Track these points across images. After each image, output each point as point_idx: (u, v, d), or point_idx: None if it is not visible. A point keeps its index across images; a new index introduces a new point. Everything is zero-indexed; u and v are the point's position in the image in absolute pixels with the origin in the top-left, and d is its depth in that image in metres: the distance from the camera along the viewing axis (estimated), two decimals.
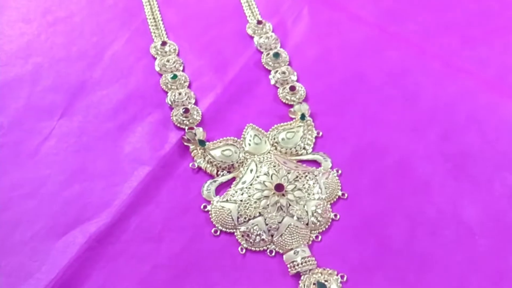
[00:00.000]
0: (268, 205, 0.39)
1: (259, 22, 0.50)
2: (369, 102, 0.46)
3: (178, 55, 0.48)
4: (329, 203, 0.41)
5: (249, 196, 0.39)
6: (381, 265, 0.38)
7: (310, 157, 0.43)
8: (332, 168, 0.42)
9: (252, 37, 0.50)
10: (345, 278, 0.37)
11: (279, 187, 0.39)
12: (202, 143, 0.42)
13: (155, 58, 0.48)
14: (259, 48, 0.49)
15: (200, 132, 0.43)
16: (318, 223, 0.39)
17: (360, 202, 0.41)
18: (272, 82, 0.47)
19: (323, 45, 0.50)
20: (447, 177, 0.42)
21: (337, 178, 0.42)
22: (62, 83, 0.46)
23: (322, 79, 0.48)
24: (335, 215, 0.40)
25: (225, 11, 0.52)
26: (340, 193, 0.41)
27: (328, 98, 0.47)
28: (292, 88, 0.46)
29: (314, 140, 0.44)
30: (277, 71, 0.47)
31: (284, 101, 0.46)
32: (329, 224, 0.40)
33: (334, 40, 0.50)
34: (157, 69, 0.47)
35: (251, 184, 0.40)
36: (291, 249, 0.38)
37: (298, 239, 0.38)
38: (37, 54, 0.48)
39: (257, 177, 0.40)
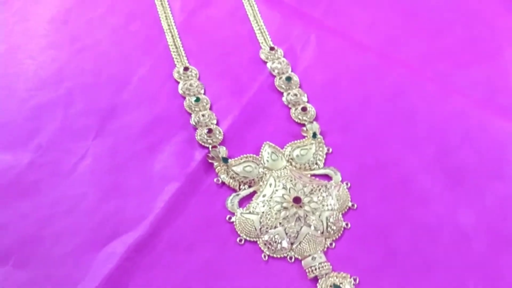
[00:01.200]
0: (287, 216, 0.43)
1: (271, 49, 0.54)
2: (372, 122, 0.51)
3: (199, 79, 0.53)
4: (340, 213, 0.45)
5: (270, 208, 0.43)
6: (388, 268, 0.42)
7: (322, 171, 0.47)
8: (342, 181, 0.47)
9: (265, 62, 0.54)
10: (357, 281, 0.41)
11: (296, 200, 0.44)
12: (225, 160, 0.46)
13: (178, 82, 0.52)
14: (272, 72, 0.53)
15: (223, 150, 0.47)
16: (332, 231, 0.43)
17: (368, 212, 0.45)
18: (285, 103, 0.51)
19: (330, 69, 0.54)
20: (445, 188, 0.46)
21: (347, 190, 0.46)
22: (93, 107, 0.50)
23: (330, 100, 0.52)
24: (347, 224, 0.44)
25: (239, 38, 0.56)
26: (350, 204, 0.45)
27: (336, 118, 0.51)
28: (304, 109, 0.50)
29: (325, 156, 0.48)
30: (289, 93, 0.52)
31: (296, 120, 0.50)
32: (341, 232, 0.44)
33: (340, 65, 0.54)
34: (181, 92, 0.51)
35: (271, 197, 0.44)
36: (309, 255, 0.42)
37: (314, 246, 0.42)
38: (68, 79, 0.52)
39: (276, 190, 0.44)
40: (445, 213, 0.45)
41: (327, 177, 0.47)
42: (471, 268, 0.42)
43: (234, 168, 0.46)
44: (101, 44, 0.54)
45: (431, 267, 0.42)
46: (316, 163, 0.48)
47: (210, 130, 0.48)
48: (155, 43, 0.55)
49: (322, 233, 0.43)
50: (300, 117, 0.50)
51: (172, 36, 0.55)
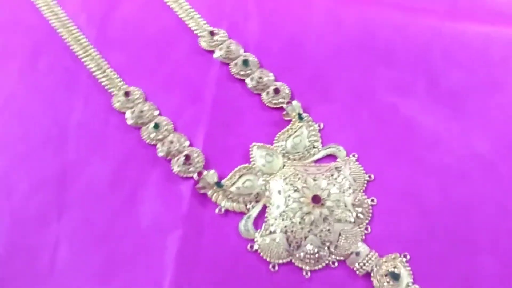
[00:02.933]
0: (313, 220, 0.37)
1: (211, 33, 0.46)
2: (351, 74, 0.45)
3: (146, 100, 0.44)
4: (361, 191, 0.40)
5: (291, 219, 0.38)
6: (430, 232, 0.38)
7: (323, 153, 0.42)
8: (348, 155, 0.41)
9: (210, 52, 0.46)
10: (408, 257, 0.37)
11: (316, 199, 0.38)
12: (219, 185, 0.39)
13: (123, 113, 0.43)
14: (224, 60, 0.45)
15: (212, 175, 0.40)
16: (362, 215, 0.39)
17: (387, 179, 0.41)
18: (253, 90, 0.44)
19: (283, 34, 0.47)
20: (449, 121, 0.43)
21: (357, 163, 0.41)
22: (40, 180, 0.40)
23: (298, 69, 0.45)
24: (372, 200, 0.40)
25: (171, 34, 0.47)
26: (366, 177, 0.41)
27: (312, 86, 0.45)
28: (276, 91, 0.43)
29: (319, 135, 0.42)
30: (252, 78, 0.44)
31: (272, 106, 0.44)
32: (370, 211, 0.39)
33: (291, 26, 0.47)
34: (132, 123, 0.42)
35: (286, 206, 0.38)
36: (351, 252, 0.37)
37: (352, 239, 0.38)
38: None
39: (289, 196, 0.39)
40: (459, 148, 0.41)
41: (332, 157, 0.42)
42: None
43: (232, 189, 0.39)
44: (15, 100, 0.44)
45: (470, 216, 0.39)
46: (314, 146, 0.42)
47: (187, 157, 0.40)
48: (75, 75, 0.45)
49: (354, 222, 0.38)
50: (274, 101, 0.43)
51: (92, 59, 0.45)
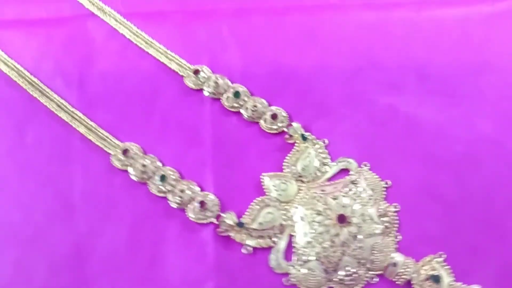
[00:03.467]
0: (343, 241, 0.37)
1: (195, 72, 0.45)
2: (339, 80, 0.44)
3: (145, 154, 0.42)
4: (382, 199, 0.39)
5: (321, 244, 0.37)
6: (460, 228, 0.38)
7: (335, 169, 0.41)
8: (359, 165, 0.41)
9: (199, 90, 0.45)
10: (444, 256, 0.37)
11: (341, 219, 0.37)
12: (240, 224, 0.38)
13: (126, 171, 0.42)
14: (214, 96, 0.44)
15: (230, 216, 0.38)
16: (389, 224, 0.38)
17: (403, 181, 0.40)
18: (249, 120, 0.43)
19: (264, 58, 0.46)
20: (442, 110, 0.42)
21: (371, 172, 0.40)
22: (57, 261, 0.39)
23: (286, 90, 0.45)
24: (395, 206, 0.39)
25: (154, 81, 0.46)
26: (383, 184, 0.40)
27: (305, 103, 0.44)
28: (274, 116, 0.43)
29: (327, 151, 0.42)
30: (247, 109, 0.43)
31: (272, 132, 0.43)
32: (396, 218, 0.39)
33: (269, 48, 0.46)
34: (138, 179, 0.41)
35: (313, 232, 0.37)
36: (388, 264, 0.37)
37: (386, 251, 0.37)
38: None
39: (313, 221, 0.38)
40: (465, 133, 0.42)
41: (343, 172, 0.41)
42: None
43: (254, 226, 0.38)
44: (9, 183, 0.42)
45: (493, 200, 0.39)
46: (324, 164, 0.41)
47: (202, 203, 0.39)
48: (66, 143, 0.43)
49: (383, 233, 0.38)
50: (274, 126, 0.43)
51: (81, 122, 0.43)
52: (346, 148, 0.42)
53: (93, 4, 0.48)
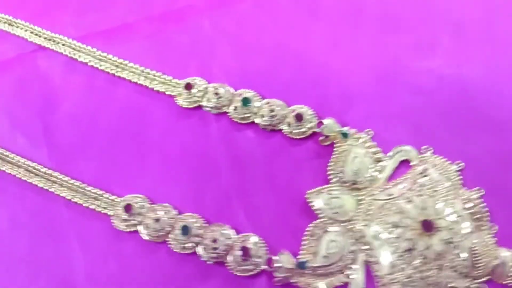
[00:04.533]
0: (438, 252, 0.28)
1: (187, 87, 0.35)
2: (361, 62, 0.36)
3: (152, 203, 0.33)
4: (460, 186, 0.31)
5: (410, 264, 0.28)
6: None
7: (393, 164, 0.32)
8: (420, 152, 0.33)
9: (195, 108, 0.35)
10: None
11: (427, 226, 0.29)
12: (301, 265, 0.29)
13: (134, 232, 0.32)
14: (217, 110, 0.35)
15: (286, 258, 0.29)
16: (480, 215, 0.30)
17: (472, 158, 0.32)
18: (268, 129, 0.34)
19: (261, 48, 0.37)
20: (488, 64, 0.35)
21: (437, 156, 0.32)
22: None
23: (298, 84, 0.36)
24: (478, 191, 0.31)
25: (140, 111, 0.36)
26: (455, 167, 0.32)
27: (326, 95, 0.35)
28: (299, 117, 0.34)
29: (375, 145, 0.33)
30: (262, 115, 0.34)
31: (300, 136, 0.34)
32: (484, 206, 0.31)
33: (266, 32, 0.37)
34: (152, 238, 0.32)
35: (396, 251, 0.29)
36: (493, 266, 0.28)
37: (488, 249, 0.29)
38: None
39: (390, 238, 0.29)
40: None
41: (403, 164, 0.32)
42: None
43: (318, 261, 0.29)
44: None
45: None
46: (379, 160, 0.32)
47: (244, 250, 0.30)
48: (51, 217, 0.34)
49: (477, 229, 0.29)
50: (301, 129, 0.34)
51: (61, 185, 0.34)
52: (392, 135, 0.33)
53: (39, 36, 0.38)
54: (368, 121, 0.34)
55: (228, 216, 0.32)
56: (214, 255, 0.30)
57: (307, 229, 0.31)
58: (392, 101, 0.35)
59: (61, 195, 0.33)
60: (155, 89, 0.36)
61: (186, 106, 0.35)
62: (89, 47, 0.38)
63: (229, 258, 0.30)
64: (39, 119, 0.36)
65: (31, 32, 0.39)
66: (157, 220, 0.31)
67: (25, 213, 0.34)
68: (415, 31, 0.37)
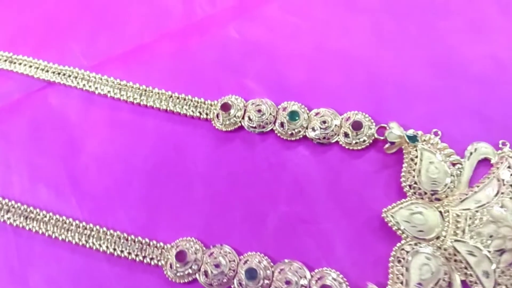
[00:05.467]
0: None
1: (224, 107, 0.31)
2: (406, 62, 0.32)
3: (207, 254, 0.29)
4: None
5: None
6: None
7: (471, 166, 0.28)
8: (497, 147, 0.29)
9: (238, 129, 0.31)
10: None
11: None
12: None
13: (193, 281, 0.28)
14: (261, 130, 0.31)
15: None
16: None
17: None
18: (321, 142, 0.30)
19: (297, 58, 0.33)
20: None
21: None
22: None
23: (338, 83, 0.32)
24: None
25: (172, 143, 0.32)
26: None
27: (369, 88, 0.31)
28: (356, 125, 0.29)
29: (447, 147, 0.29)
30: (313, 128, 0.30)
31: (360, 148, 0.30)
32: None
33: (300, 43, 0.33)
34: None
35: (497, 266, 0.25)
36: None
37: None
38: None
39: (490, 251, 0.25)
40: None
41: (484, 164, 0.28)
42: None
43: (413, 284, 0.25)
44: None
45: None
46: (458, 163, 0.28)
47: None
48: (90, 277, 0.29)
49: None
50: (360, 138, 0.29)
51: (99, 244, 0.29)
52: (462, 133, 0.29)
53: (46, 71, 0.34)
54: (432, 120, 0.30)
55: (295, 250, 0.28)
56: None
57: (392, 254, 0.26)
58: (455, 94, 0.31)
59: (101, 249, 0.29)
60: (188, 114, 0.32)
61: (226, 129, 0.31)
62: (105, 77, 0.33)
63: None
64: (61, 165, 0.32)
65: (37, 68, 0.34)
66: (216, 265, 0.27)
67: (62, 275, 0.29)
68: (463, 13, 0.33)
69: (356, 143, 0.30)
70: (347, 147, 0.30)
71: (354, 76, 0.32)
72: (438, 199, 0.27)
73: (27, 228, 0.30)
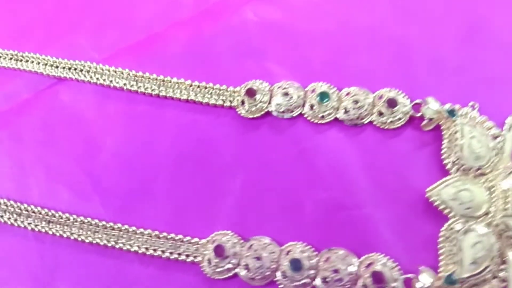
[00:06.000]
0: None
1: (250, 93, 0.29)
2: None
3: (246, 240, 0.27)
4: None
5: None
6: None
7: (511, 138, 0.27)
8: None
9: (265, 115, 0.29)
10: None
11: None
12: (451, 281, 0.24)
13: (233, 277, 0.26)
14: (290, 115, 0.29)
15: (429, 275, 0.24)
16: None
17: None
18: (353, 123, 0.28)
19: (320, 37, 0.31)
20: None
21: None
22: None
23: (365, 60, 0.30)
24: None
25: (198, 135, 0.30)
26: None
27: (410, 74, 0.30)
28: (391, 103, 0.28)
29: (487, 118, 0.28)
30: (345, 110, 0.28)
31: (396, 126, 0.28)
32: None
33: (322, 21, 0.32)
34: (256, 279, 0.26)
35: None
36: None
37: None
38: None
39: None
40: None
41: None
42: None
43: (467, 273, 0.24)
44: None
45: None
46: (495, 137, 0.27)
47: (375, 277, 0.24)
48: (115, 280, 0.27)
49: None
50: (396, 116, 0.28)
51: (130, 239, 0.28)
52: (500, 104, 0.28)
53: (56, 66, 0.32)
54: (468, 92, 0.29)
55: (337, 237, 0.26)
56: None
57: (440, 235, 0.25)
58: (489, 65, 0.29)
59: (131, 249, 0.27)
60: (210, 103, 0.30)
61: (252, 116, 0.29)
62: (119, 69, 0.31)
63: None
64: (80, 165, 0.30)
65: (45, 64, 0.32)
66: (258, 258, 0.25)
67: (92, 280, 0.27)
68: None
69: (391, 121, 0.28)
70: (382, 126, 0.28)
71: (381, 52, 0.30)
72: (483, 174, 0.26)
73: (50, 232, 0.28)
